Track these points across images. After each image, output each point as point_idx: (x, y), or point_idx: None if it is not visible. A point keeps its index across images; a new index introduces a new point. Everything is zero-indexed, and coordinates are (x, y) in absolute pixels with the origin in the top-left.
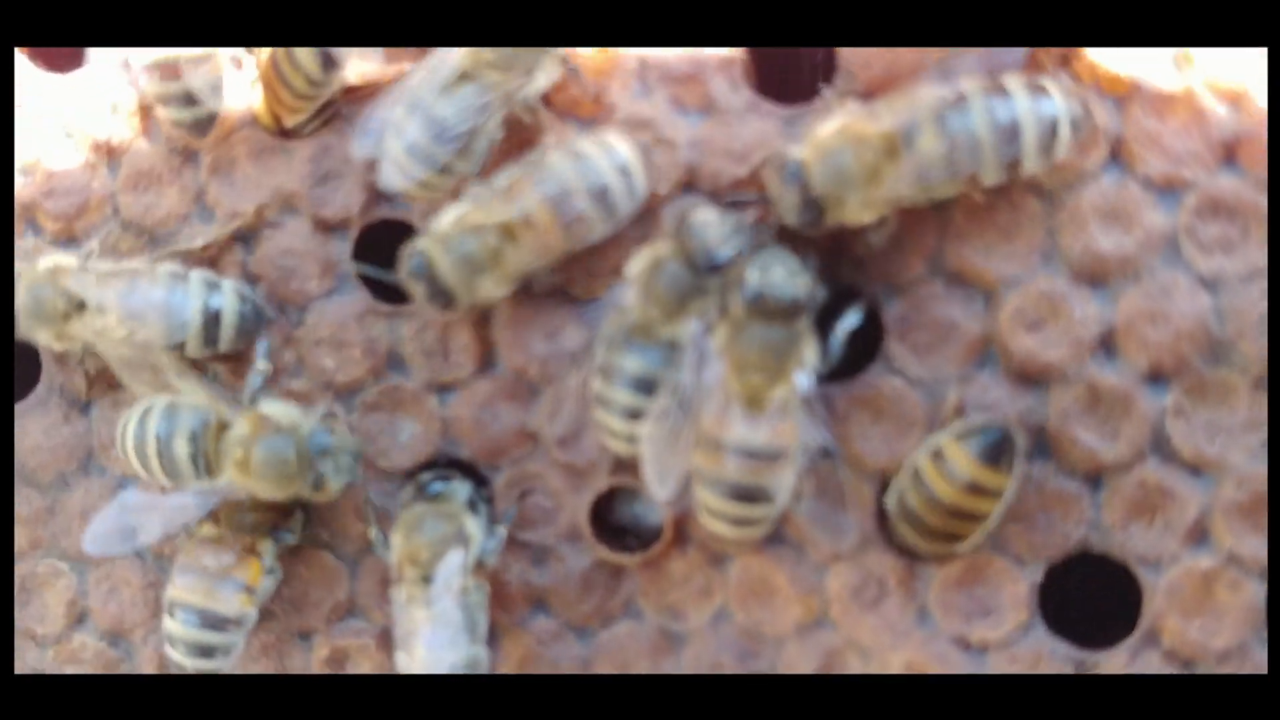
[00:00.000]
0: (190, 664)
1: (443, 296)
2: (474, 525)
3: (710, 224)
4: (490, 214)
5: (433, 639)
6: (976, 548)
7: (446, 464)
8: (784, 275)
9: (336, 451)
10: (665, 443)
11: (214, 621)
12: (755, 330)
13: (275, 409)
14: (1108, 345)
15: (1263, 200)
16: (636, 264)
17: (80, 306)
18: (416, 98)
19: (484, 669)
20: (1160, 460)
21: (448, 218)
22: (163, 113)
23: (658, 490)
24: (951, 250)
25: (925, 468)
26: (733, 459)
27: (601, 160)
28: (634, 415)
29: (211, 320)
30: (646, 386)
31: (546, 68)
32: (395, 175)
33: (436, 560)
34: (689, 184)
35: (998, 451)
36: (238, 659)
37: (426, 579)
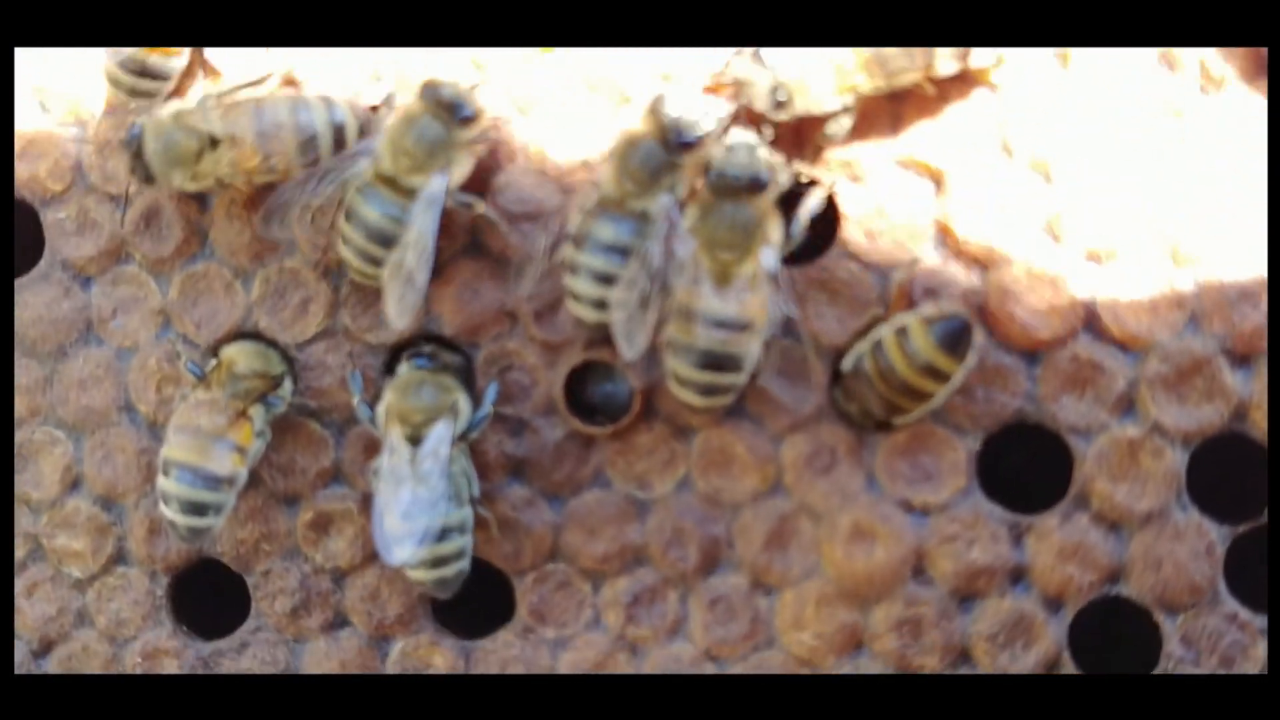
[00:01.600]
0: (182, 520)
1: (142, 170)
2: (464, 401)
3: (685, 105)
4: (205, 122)
5: (412, 503)
6: (919, 420)
7: (428, 340)
8: (747, 154)
9: None
10: (634, 307)
11: (208, 479)
12: (724, 208)
13: None
14: (1050, 229)
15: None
16: (613, 142)
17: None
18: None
19: (470, 529)
20: (1092, 337)
21: (170, 108)
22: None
23: (626, 349)
24: (904, 140)
25: (888, 340)
26: (704, 329)
27: (319, 111)
28: (604, 280)
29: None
30: (618, 253)
31: (460, 161)
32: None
33: (426, 426)
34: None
35: (956, 339)
36: (225, 519)
37: (414, 440)
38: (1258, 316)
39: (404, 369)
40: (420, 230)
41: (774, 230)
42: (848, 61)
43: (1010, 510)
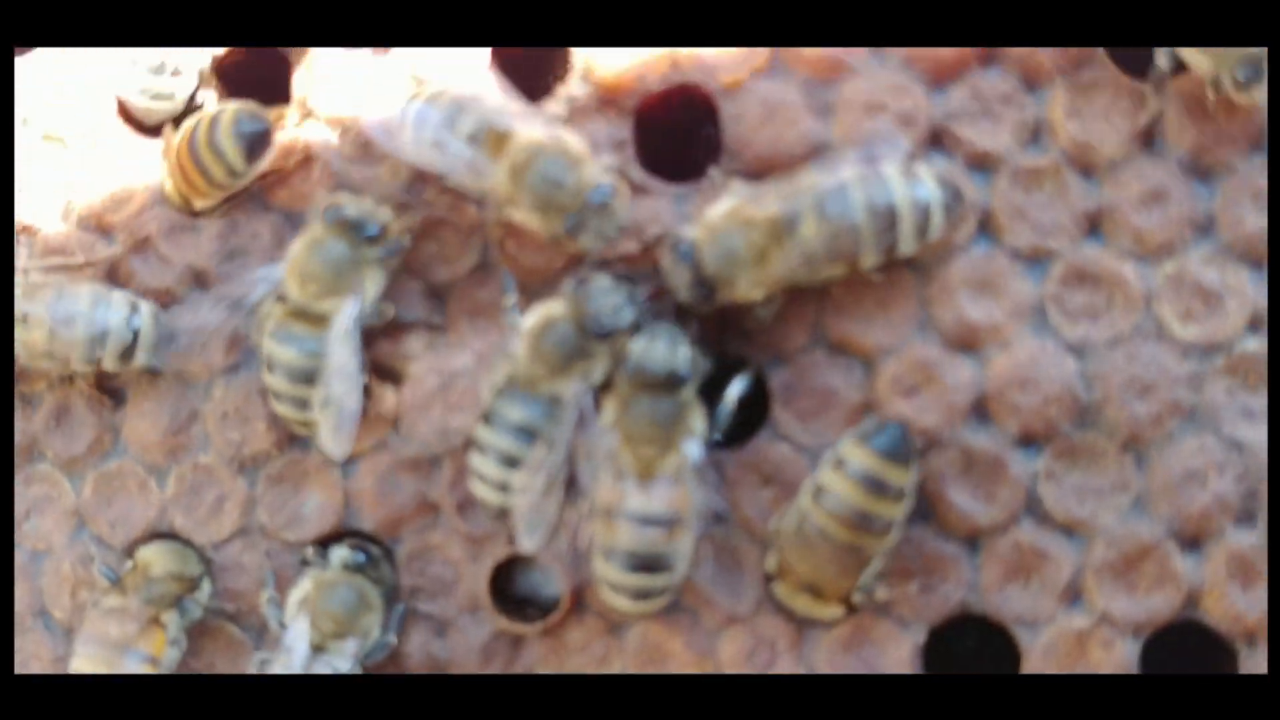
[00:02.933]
0: None
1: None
2: (377, 625)
3: (605, 292)
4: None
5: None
6: (862, 607)
7: (350, 535)
8: (665, 349)
9: None
10: (538, 494)
11: None
12: (642, 403)
13: None
14: (980, 410)
15: (1126, 269)
16: (529, 319)
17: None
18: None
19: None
20: (1034, 523)
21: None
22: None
23: (526, 541)
24: (831, 322)
25: (827, 478)
26: (629, 528)
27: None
28: (510, 464)
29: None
30: (526, 436)
31: (372, 279)
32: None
33: (343, 632)
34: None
35: (899, 445)
36: None
37: (318, 647)
38: (1205, 497)
39: (335, 560)
40: (340, 360)
41: (696, 420)
42: (770, 258)
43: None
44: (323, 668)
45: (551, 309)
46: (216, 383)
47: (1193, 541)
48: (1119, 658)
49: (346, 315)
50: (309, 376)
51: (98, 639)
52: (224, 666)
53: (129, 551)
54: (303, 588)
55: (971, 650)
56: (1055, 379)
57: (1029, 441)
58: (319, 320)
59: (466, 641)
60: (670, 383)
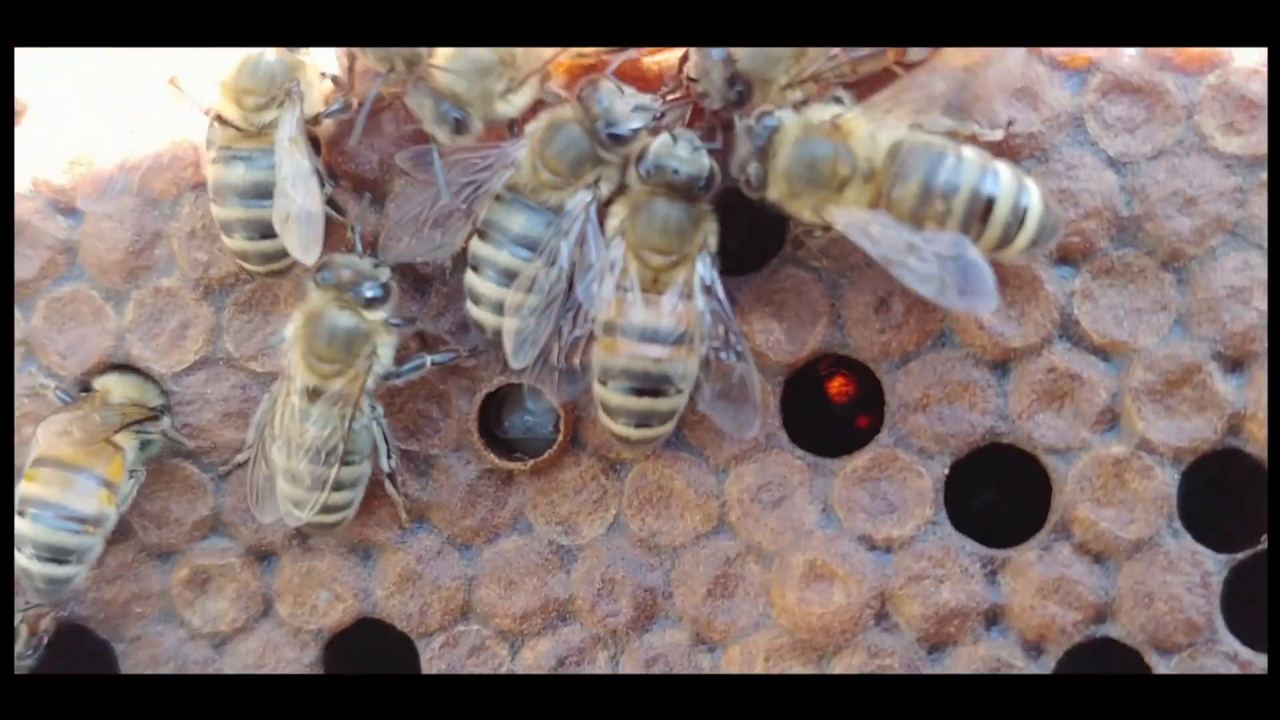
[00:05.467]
0: (39, 569)
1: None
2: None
3: (618, 95)
4: None
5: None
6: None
7: None
8: (688, 149)
9: None
10: (530, 311)
11: (70, 519)
12: (656, 207)
13: None
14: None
15: (1166, 79)
16: (535, 123)
17: None
18: None
19: (363, 485)
20: (1069, 344)
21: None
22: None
23: (513, 357)
24: None
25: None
26: (633, 344)
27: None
28: (512, 279)
29: None
30: (527, 247)
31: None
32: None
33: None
34: None
35: None
36: (89, 572)
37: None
38: (1250, 315)
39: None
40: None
41: (711, 235)
42: (808, 51)
43: (983, 544)
44: None
45: (560, 111)
46: (184, 199)
47: (1236, 363)
48: (1158, 486)
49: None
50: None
51: (50, 460)
52: (179, 510)
53: (82, 385)
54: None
55: (987, 505)
56: (1095, 192)
57: (1066, 259)
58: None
59: (450, 481)
60: (688, 187)
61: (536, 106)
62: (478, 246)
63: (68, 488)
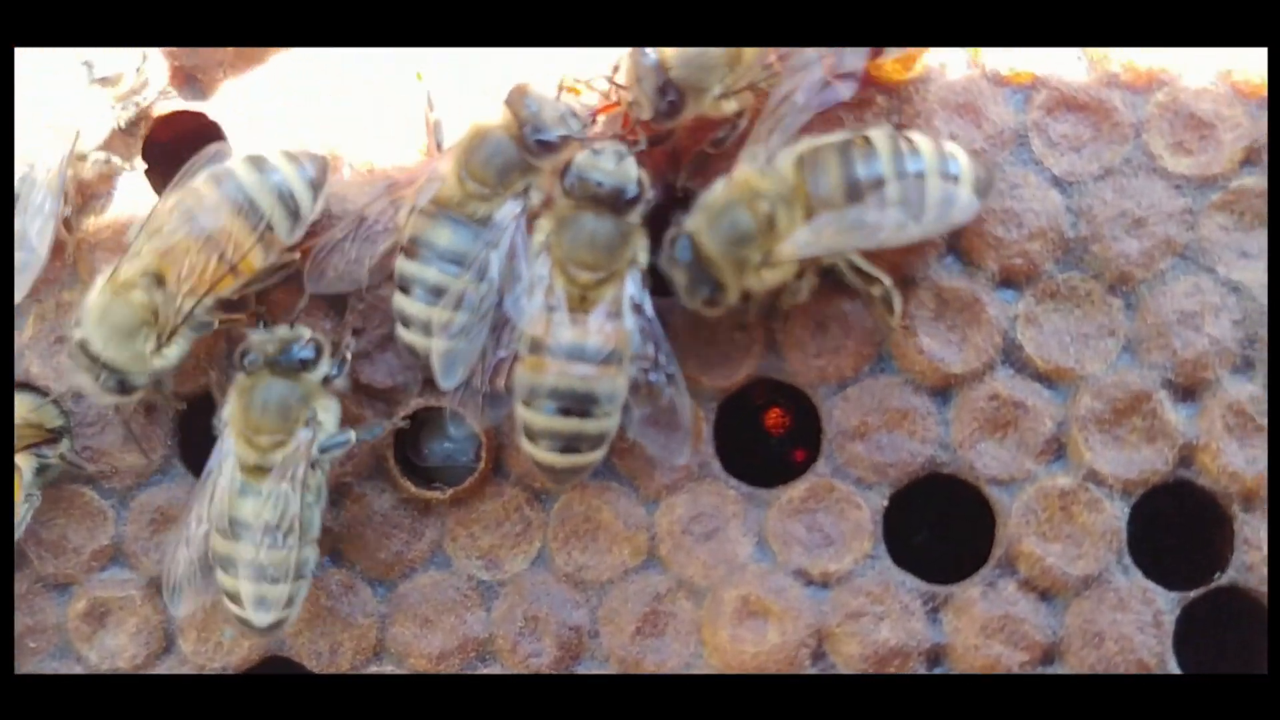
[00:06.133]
0: None
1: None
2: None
3: (546, 102)
4: None
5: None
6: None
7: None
8: (613, 162)
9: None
10: (459, 328)
11: None
12: (582, 221)
13: None
14: (954, 246)
15: (1114, 96)
16: (461, 134)
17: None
18: None
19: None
20: (1013, 371)
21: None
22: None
23: (444, 379)
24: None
25: None
26: (559, 363)
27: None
28: (439, 295)
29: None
30: (455, 263)
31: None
32: None
33: (281, 438)
34: None
35: None
36: None
37: (261, 468)
38: (1202, 341)
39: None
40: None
41: (640, 250)
42: (744, 58)
43: (923, 579)
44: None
45: (483, 121)
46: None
47: (1187, 391)
48: (1107, 520)
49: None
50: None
51: None
52: (78, 538)
53: None
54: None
55: (925, 543)
56: (1039, 212)
57: (1009, 281)
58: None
59: (364, 511)
60: (615, 200)
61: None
62: (404, 265)
63: None
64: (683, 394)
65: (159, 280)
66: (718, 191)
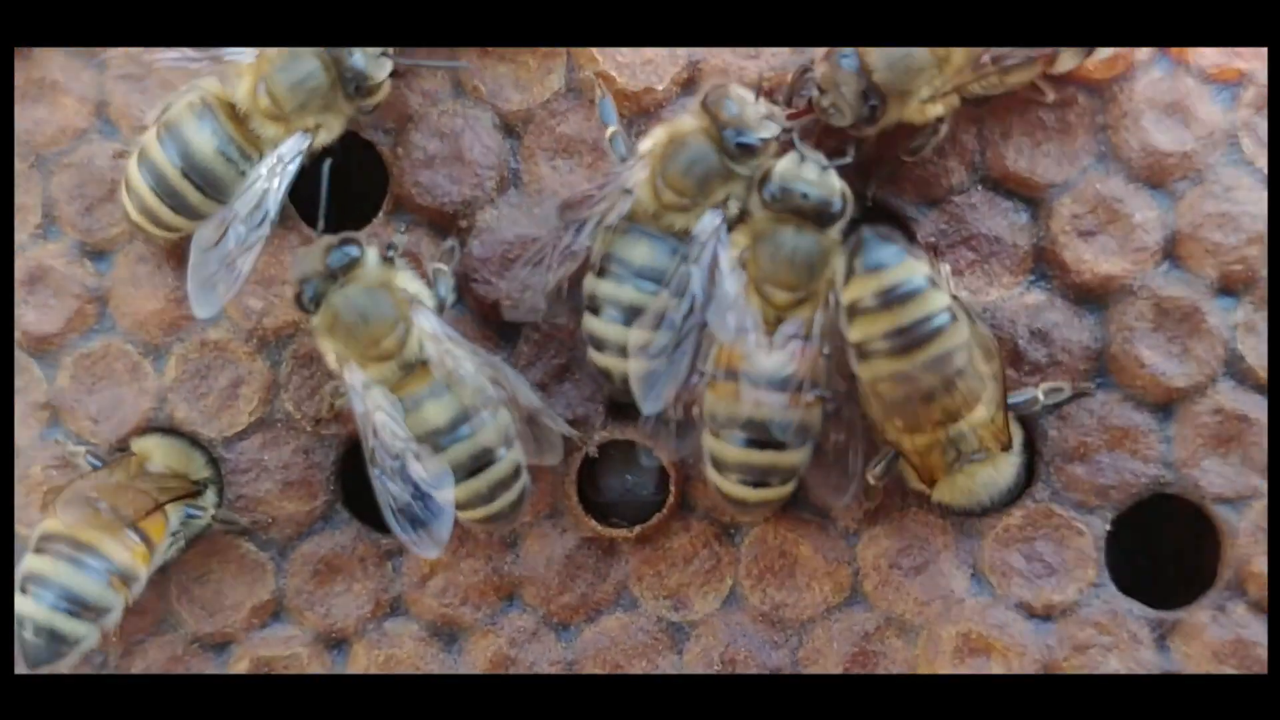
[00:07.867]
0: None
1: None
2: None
3: (747, 101)
4: None
5: None
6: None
7: None
8: (818, 172)
9: None
10: (661, 350)
11: (91, 572)
12: (784, 236)
13: None
14: (1170, 253)
15: None
16: (649, 140)
17: None
18: None
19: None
20: (1234, 382)
21: None
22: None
23: (645, 405)
24: (992, 154)
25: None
26: (755, 392)
27: None
28: (635, 315)
29: None
30: (653, 280)
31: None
32: None
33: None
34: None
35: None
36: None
37: None
38: None
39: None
40: None
41: (839, 270)
42: (953, 60)
43: (1149, 605)
44: None
45: (679, 124)
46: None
47: None
48: None
49: None
50: None
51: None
52: (237, 594)
53: (119, 449)
54: None
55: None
56: (1256, 215)
57: (1227, 288)
58: None
59: (545, 552)
60: (820, 214)
61: None
62: (597, 284)
63: (83, 561)
64: (858, 437)
65: None
66: None
